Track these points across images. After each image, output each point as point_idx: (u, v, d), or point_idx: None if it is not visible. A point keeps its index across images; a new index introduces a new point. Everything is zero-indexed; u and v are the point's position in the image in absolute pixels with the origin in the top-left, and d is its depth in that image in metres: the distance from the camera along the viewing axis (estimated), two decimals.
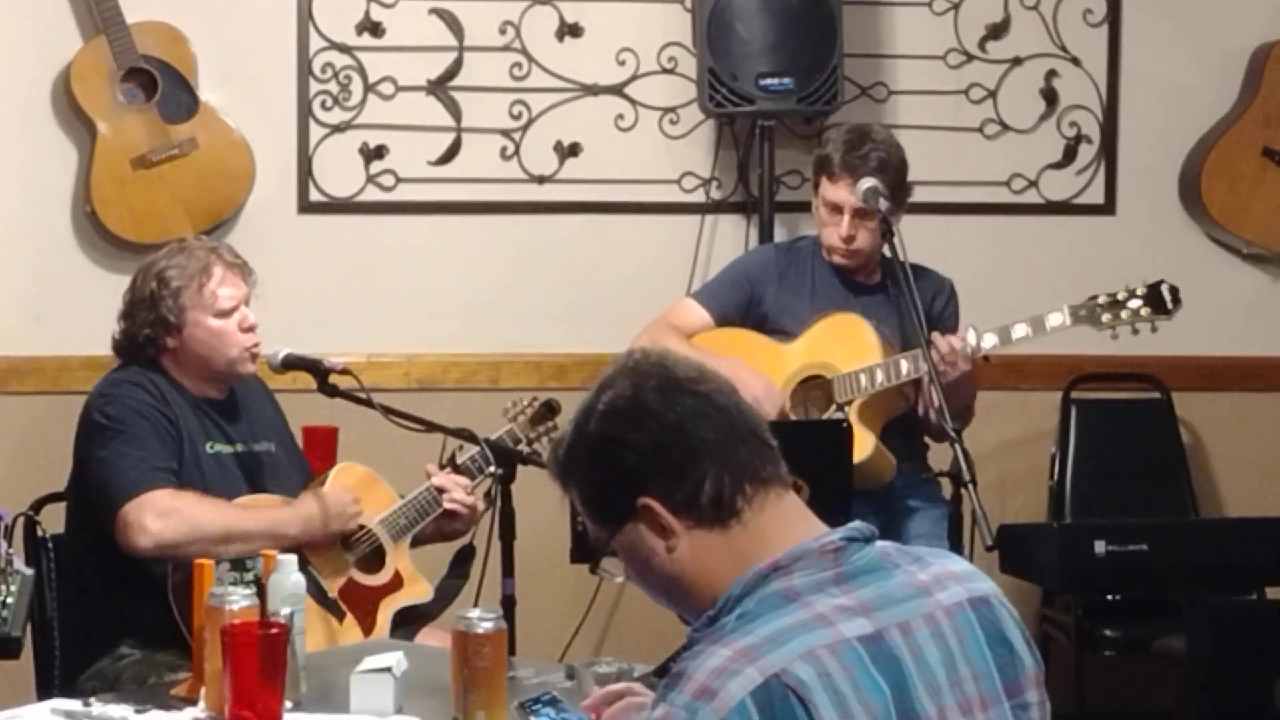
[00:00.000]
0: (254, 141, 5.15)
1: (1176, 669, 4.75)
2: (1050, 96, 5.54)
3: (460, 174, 5.33)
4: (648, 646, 4.36)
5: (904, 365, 4.44)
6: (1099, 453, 5.40)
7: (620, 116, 5.37)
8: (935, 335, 4.40)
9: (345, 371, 4.06)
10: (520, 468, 3.97)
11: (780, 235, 5.22)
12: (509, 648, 3.20)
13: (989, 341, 4.44)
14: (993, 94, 5.51)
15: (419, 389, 5.24)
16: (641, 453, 2.04)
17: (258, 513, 3.92)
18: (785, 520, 2.06)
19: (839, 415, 4.43)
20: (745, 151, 5.38)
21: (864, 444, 4.43)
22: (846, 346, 4.54)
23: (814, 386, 4.56)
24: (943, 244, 4.93)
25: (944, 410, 4.24)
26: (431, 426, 4.02)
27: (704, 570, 2.04)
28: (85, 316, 4.94)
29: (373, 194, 5.29)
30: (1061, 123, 5.55)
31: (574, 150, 5.37)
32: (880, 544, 2.08)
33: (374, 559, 4.09)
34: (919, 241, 4.65)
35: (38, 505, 4.08)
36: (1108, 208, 5.60)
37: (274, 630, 2.91)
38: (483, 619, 2.99)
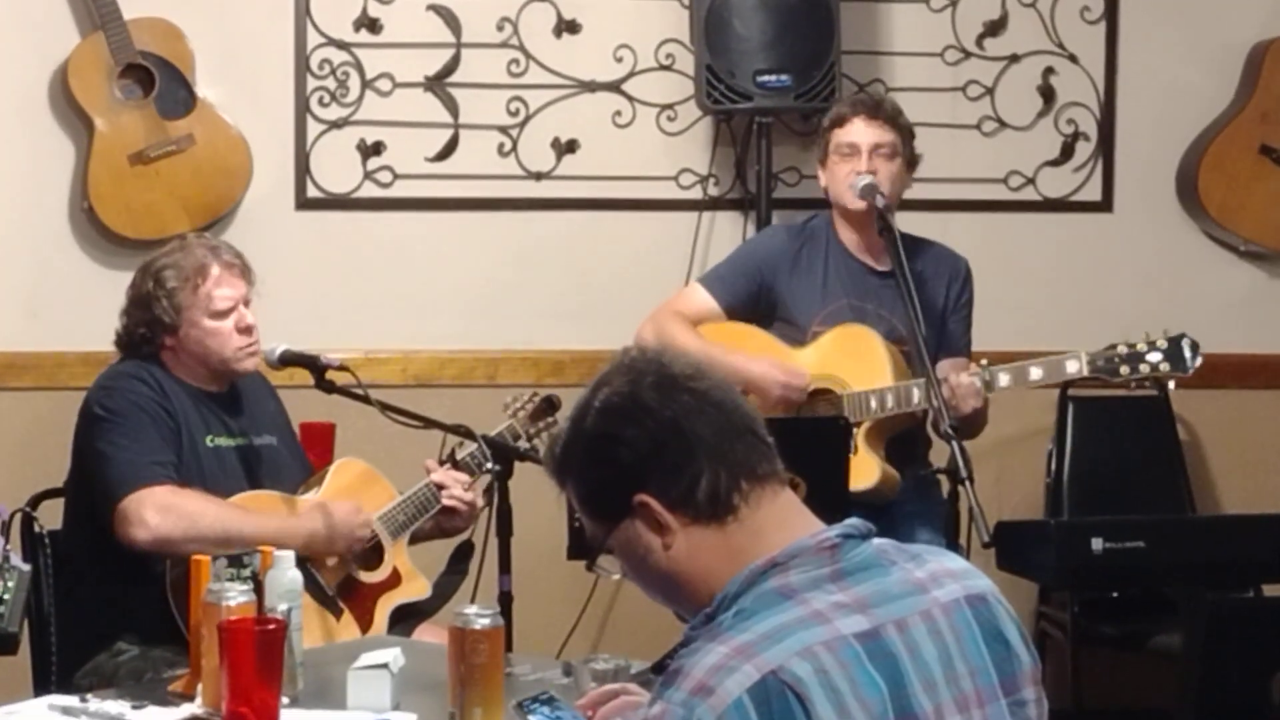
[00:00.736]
0: (251, 138, 5.15)
1: (1173, 666, 4.75)
2: (1048, 94, 5.54)
3: (458, 170, 5.33)
4: (645, 643, 4.36)
5: (915, 394, 4.43)
6: (1096, 450, 5.40)
7: (618, 113, 5.37)
8: (947, 373, 4.39)
9: (343, 368, 4.06)
10: (518, 464, 3.97)
11: None
12: (506, 644, 3.20)
13: (1003, 380, 4.42)
14: (990, 91, 5.52)
15: (416, 385, 5.24)
16: (638, 450, 2.05)
17: (261, 519, 3.90)
18: (782, 517, 2.06)
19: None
20: (743, 148, 5.38)
21: (870, 471, 4.43)
22: (858, 362, 4.53)
23: (823, 400, 4.55)
24: (940, 240, 4.91)
25: (944, 411, 4.23)
26: (429, 423, 4.01)
27: (700, 567, 2.04)
28: (83, 313, 4.95)
29: (370, 190, 5.29)
30: (1059, 120, 5.55)
31: (571, 147, 5.37)
32: (877, 541, 2.08)
33: (372, 555, 4.09)
34: None
35: (35, 501, 4.08)
36: (1105, 205, 5.60)
37: (271, 626, 2.91)
38: (480, 615, 2.98)
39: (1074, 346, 4.48)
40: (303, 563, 3.68)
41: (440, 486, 4.12)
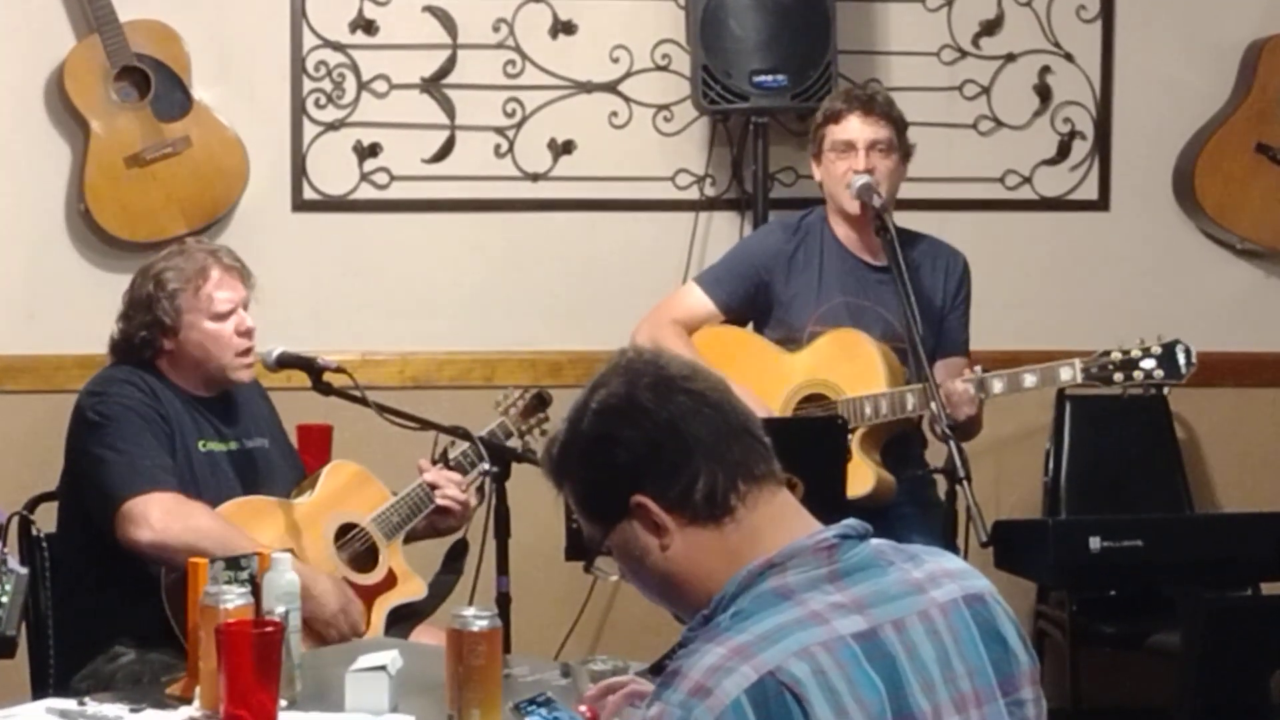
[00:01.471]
0: (248, 140, 5.15)
1: (1172, 665, 4.75)
2: (1044, 93, 5.54)
3: (454, 172, 5.33)
4: (643, 644, 4.37)
5: (909, 400, 4.43)
6: (1094, 449, 5.41)
7: (614, 114, 5.37)
8: (943, 378, 4.38)
9: (340, 369, 4.06)
10: (515, 465, 3.96)
11: None
12: (504, 646, 3.20)
13: (996, 387, 4.42)
14: (986, 90, 5.52)
15: (413, 387, 5.24)
16: (635, 451, 2.05)
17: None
18: (779, 518, 2.06)
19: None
20: (739, 148, 5.38)
21: (865, 478, 4.42)
22: (852, 366, 4.52)
23: (816, 406, 4.54)
24: (937, 236, 4.90)
25: (941, 412, 4.23)
26: (426, 424, 4.01)
27: (698, 568, 2.04)
28: (79, 315, 4.94)
29: (366, 192, 5.29)
30: (1055, 119, 5.55)
31: (568, 147, 5.37)
32: (874, 541, 2.08)
33: (367, 557, 4.08)
34: None
35: (32, 504, 4.07)
36: (1102, 204, 5.60)
37: (269, 629, 2.91)
38: (478, 617, 2.98)
39: (1071, 345, 4.49)
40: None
41: (434, 486, 4.12)
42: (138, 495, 3.81)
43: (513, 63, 5.33)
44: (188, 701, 3.10)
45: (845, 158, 4.55)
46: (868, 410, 4.46)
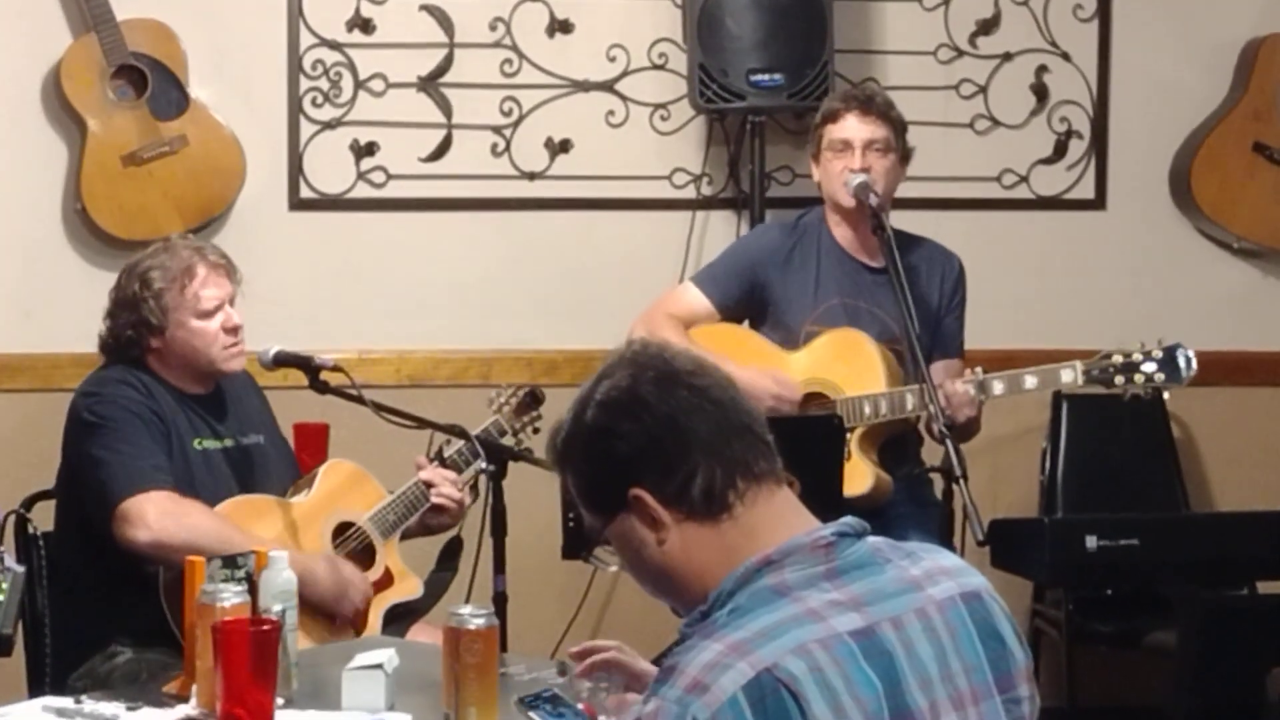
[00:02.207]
0: (244, 138, 5.14)
1: (1168, 663, 4.76)
2: (1041, 92, 5.54)
3: (451, 170, 5.33)
4: (640, 643, 4.34)
5: (909, 400, 4.43)
6: (1090, 448, 5.41)
7: (611, 113, 5.37)
8: (941, 380, 4.39)
9: (336, 368, 4.06)
10: (511, 464, 3.96)
11: None
12: (501, 644, 3.20)
13: (997, 389, 4.42)
14: (983, 89, 5.52)
15: (410, 385, 5.23)
16: (634, 444, 2.05)
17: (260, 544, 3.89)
18: (777, 515, 2.06)
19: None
20: (736, 147, 5.38)
21: (863, 477, 4.42)
22: (851, 366, 4.52)
23: (816, 405, 4.54)
24: (933, 239, 4.90)
25: (938, 413, 4.23)
26: (423, 423, 4.01)
27: (694, 563, 2.04)
28: (76, 314, 4.93)
29: (363, 191, 5.29)
30: (1052, 118, 5.56)
31: (565, 146, 5.37)
32: (872, 539, 2.08)
33: (364, 556, 4.08)
34: None
35: (29, 502, 4.08)
36: (1098, 203, 5.60)
37: (265, 627, 2.91)
38: (474, 615, 2.98)
39: (1067, 344, 4.49)
40: None
41: (429, 484, 4.12)
42: (134, 495, 3.81)
43: (509, 62, 5.33)
44: (184, 700, 3.10)
45: (842, 156, 4.55)
46: (867, 410, 4.46)
